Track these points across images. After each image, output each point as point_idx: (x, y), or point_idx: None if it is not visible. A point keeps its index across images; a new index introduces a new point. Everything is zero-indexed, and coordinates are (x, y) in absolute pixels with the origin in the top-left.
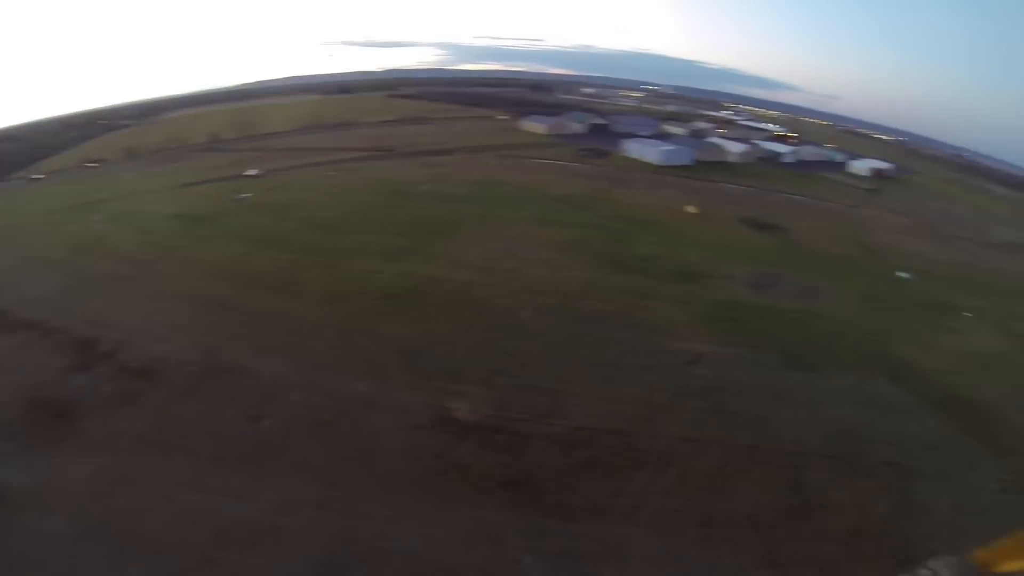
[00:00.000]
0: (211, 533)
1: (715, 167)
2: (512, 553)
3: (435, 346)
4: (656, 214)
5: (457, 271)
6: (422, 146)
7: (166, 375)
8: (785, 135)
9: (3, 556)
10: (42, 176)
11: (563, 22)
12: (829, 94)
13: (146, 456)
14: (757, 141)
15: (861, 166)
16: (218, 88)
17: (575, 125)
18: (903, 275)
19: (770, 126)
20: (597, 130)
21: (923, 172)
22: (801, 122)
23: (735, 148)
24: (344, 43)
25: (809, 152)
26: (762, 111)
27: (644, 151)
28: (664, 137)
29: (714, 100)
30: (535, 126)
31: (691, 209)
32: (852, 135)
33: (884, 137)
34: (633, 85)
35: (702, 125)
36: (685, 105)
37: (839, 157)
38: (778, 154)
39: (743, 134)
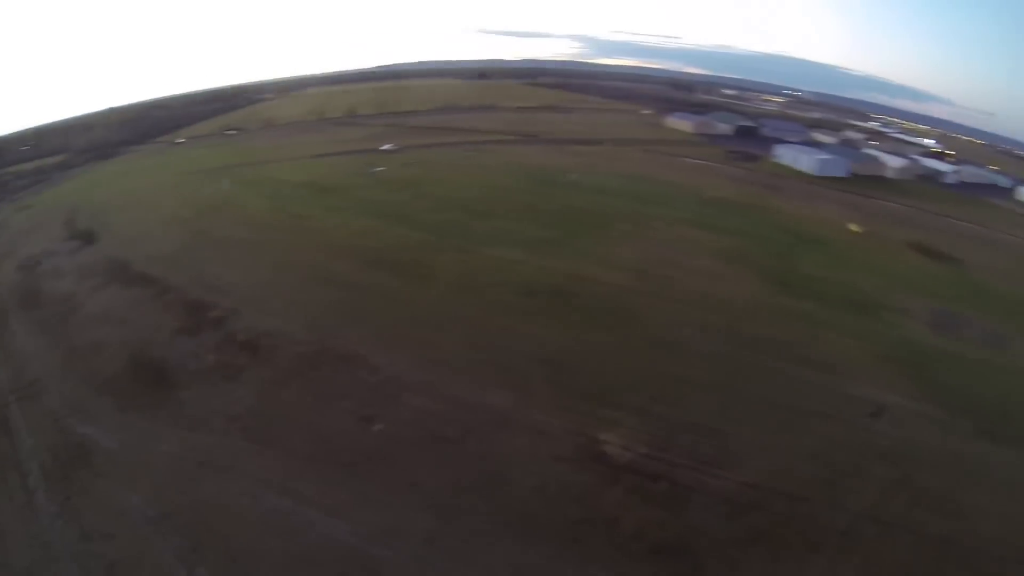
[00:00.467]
0: (295, 551)
1: (871, 181)
2: None
3: (584, 358)
4: (817, 228)
5: (609, 271)
6: (566, 134)
7: (273, 353)
8: (943, 152)
9: (75, 522)
10: (182, 140)
11: (702, 20)
12: (984, 110)
13: (238, 442)
14: (915, 156)
15: None
16: (358, 69)
17: (722, 125)
18: None
19: (922, 140)
20: (744, 132)
21: None
22: (954, 139)
23: (893, 162)
24: (482, 31)
25: (971, 173)
26: (911, 124)
27: (797, 158)
28: (814, 145)
29: (858, 109)
30: (681, 123)
31: (854, 227)
32: (1010, 157)
33: None
34: (773, 89)
35: (852, 135)
36: (829, 113)
37: (1005, 181)
38: (939, 172)
39: (895, 147)
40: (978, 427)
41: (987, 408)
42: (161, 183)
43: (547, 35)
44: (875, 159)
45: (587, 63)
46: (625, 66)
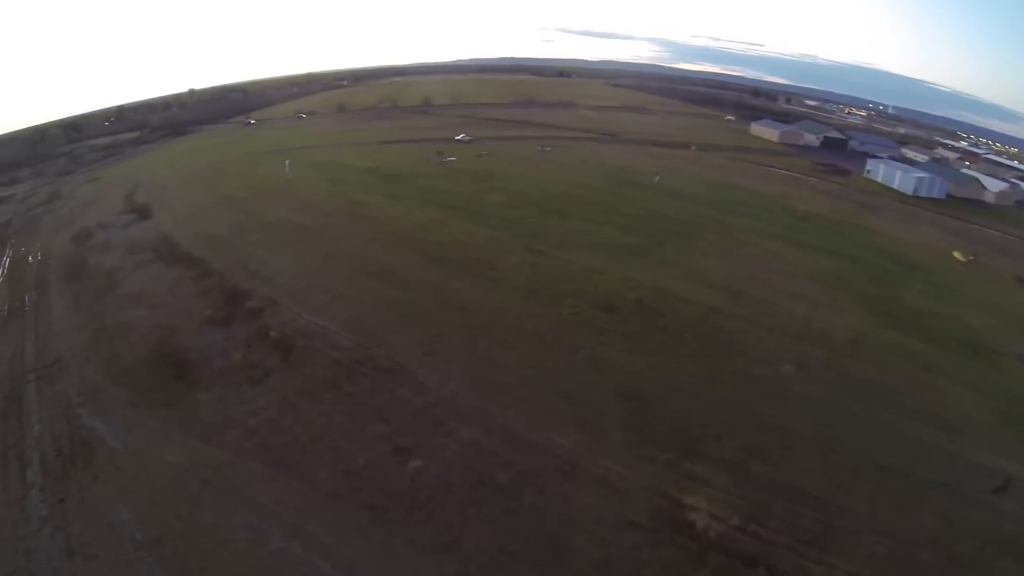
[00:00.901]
0: None
1: (969, 205)
2: None
3: (668, 393)
4: (919, 255)
5: (697, 288)
6: (647, 135)
7: (307, 357)
8: None
9: (63, 531)
10: (253, 121)
11: (786, 28)
12: None
13: (251, 463)
14: (1014, 180)
15: None
16: (437, 62)
17: (808, 136)
18: None
19: (1016, 163)
20: (831, 144)
21: None
22: None
23: (993, 186)
24: (561, 30)
25: None
26: (1001, 146)
27: (892, 175)
28: (905, 162)
29: (945, 127)
30: (766, 131)
31: (958, 255)
32: None
33: None
34: (856, 102)
35: (945, 154)
36: (914, 129)
37: None
38: None
39: (991, 170)
40: None
41: None
42: (224, 162)
43: (627, 37)
44: (975, 181)
45: (666, 67)
46: (705, 72)
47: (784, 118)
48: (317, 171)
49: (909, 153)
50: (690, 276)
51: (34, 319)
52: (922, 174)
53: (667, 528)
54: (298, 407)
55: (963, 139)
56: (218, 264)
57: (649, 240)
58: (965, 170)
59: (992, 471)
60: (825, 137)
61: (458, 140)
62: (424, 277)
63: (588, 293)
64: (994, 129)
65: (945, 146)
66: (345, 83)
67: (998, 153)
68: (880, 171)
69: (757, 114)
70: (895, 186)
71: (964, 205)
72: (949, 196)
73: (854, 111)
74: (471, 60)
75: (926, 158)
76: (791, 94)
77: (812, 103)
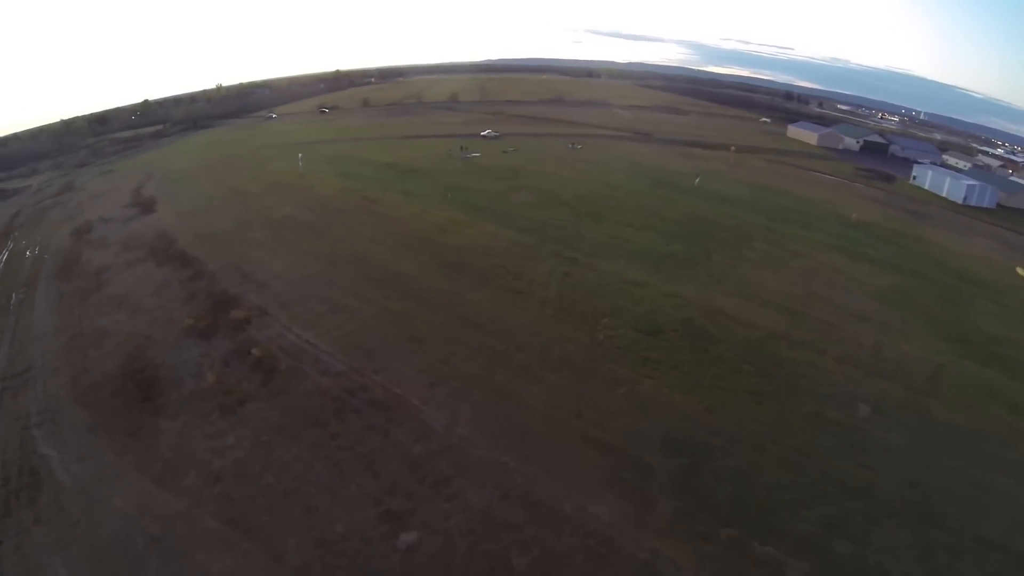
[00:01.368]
0: None
1: (1018, 215)
2: None
3: (728, 444)
4: (982, 270)
5: (752, 307)
6: (682, 136)
7: (290, 383)
8: None
9: None
10: (274, 116)
11: (816, 31)
12: None
13: (208, 519)
14: None
15: None
16: (466, 61)
17: (848, 139)
18: None
19: None
20: (871, 148)
21: None
22: None
23: None
24: (590, 31)
25: None
26: None
27: (941, 183)
28: (951, 169)
29: (979, 134)
30: (804, 134)
31: (1022, 272)
32: None
33: None
34: (888, 108)
35: (988, 161)
36: (950, 136)
37: None
38: None
39: None
40: None
41: None
42: (239, 155)
43: (656, 39)
44: None
45: (696, 69)
46: (734, 75)
47: (822, 121)
48: (333, 165)
49: (951, 160)
50: (743, 292)
51: (15, 320)
52: (972, 182)
53: None
54: (272, 448)
55: (999, 146)
56: (211, 265)
57: (694, 249)
58: (1016, 178)
59: None
60: (865, 141)
61: (484, 136)
62: (436, 287)
63: (628, 311)
64: None
65: (985, 153)
66: (372, 80)
67: None
68: (928, 178)
69: (792, 117)
70: (944, 194)
71: (1014, 215)
72: (999, 206)
73: (887, 116)
74: (500, 60)
75: (968, 165)
76: (822, 98)
77: (844, 108)
